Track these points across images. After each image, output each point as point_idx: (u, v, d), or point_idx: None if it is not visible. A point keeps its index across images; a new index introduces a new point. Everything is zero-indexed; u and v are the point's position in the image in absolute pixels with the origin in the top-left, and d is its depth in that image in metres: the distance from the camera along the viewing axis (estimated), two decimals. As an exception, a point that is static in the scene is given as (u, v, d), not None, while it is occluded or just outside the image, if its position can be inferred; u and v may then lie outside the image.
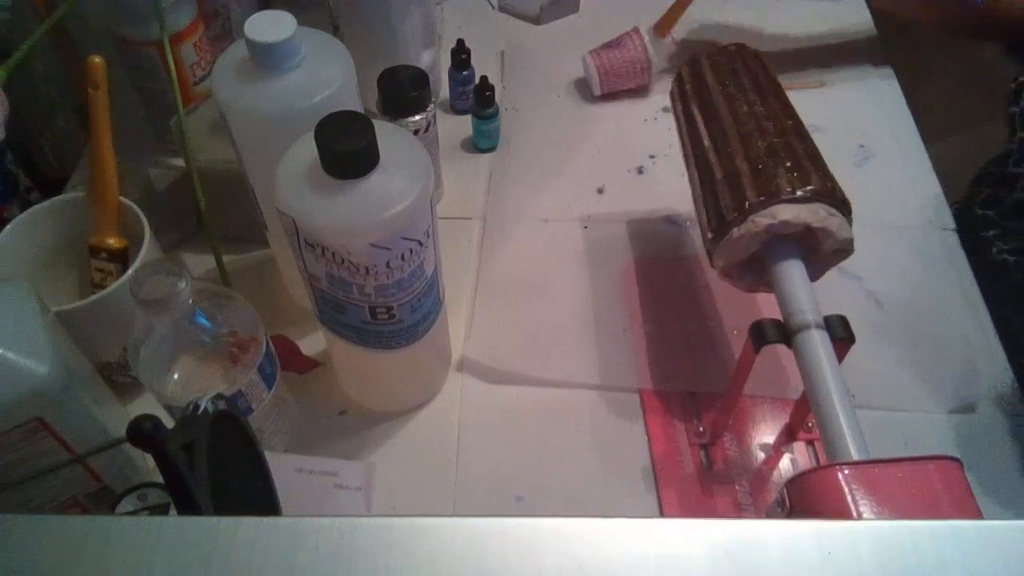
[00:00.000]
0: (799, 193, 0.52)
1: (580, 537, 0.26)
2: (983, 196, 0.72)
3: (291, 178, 0.45)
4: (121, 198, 0.60)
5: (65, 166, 0.78)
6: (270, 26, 0.49)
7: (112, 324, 0.55)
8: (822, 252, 0.53)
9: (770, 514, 0.55)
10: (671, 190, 0.76)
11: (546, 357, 0.64)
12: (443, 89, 0.83)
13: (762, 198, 0.52)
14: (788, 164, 0.53)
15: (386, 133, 0.45)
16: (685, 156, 0.63)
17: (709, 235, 0.56)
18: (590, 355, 0.64)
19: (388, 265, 0.47)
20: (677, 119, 0.65)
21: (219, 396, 0.41)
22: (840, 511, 0.39)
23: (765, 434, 0.60)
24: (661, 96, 0.84)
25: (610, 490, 0.58)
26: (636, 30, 0.82)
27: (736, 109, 0.58)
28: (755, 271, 0.56)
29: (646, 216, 0.74)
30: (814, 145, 0.56)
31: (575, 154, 0.80)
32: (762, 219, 0.52)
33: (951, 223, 0.73)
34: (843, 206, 0.53)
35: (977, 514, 0.39)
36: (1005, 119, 0.69)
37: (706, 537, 0.26)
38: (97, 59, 0.56)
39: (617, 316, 0.67)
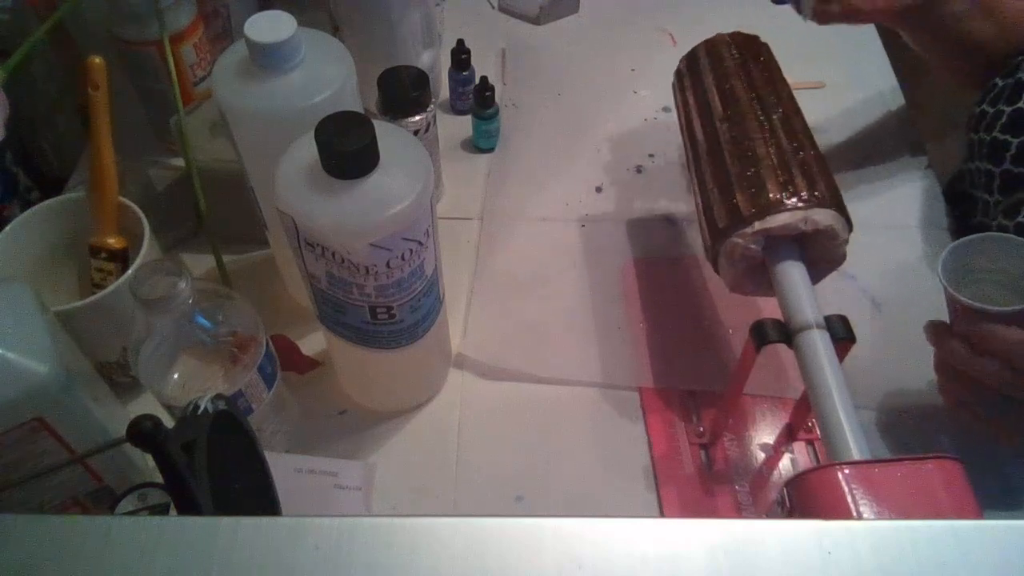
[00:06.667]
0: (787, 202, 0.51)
1: (580, 537, 0.26)
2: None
3: (291, 178, 0.45)
4: (121, 198, 0.60)
5: (65, 166, 0.78)
6: (270, 26, 0.49)
7: (112, 324, 0.55)
8: (819, 251, 0.53)
9: (770, 514, 0.55)
10: (670, 189, 0.76)
11: (543, 354, 0.64)
12: (443, 89, 0.83)
13: (731, 224, 0.52)
14: (749, 176, 0.53)
15: (386, 133, 0.45)
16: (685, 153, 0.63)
17: (705, 249, 0.56)
18: (589, 353, 0.64)
19: (388, 265, 0.47)
20: (678, 112, 0.65)
21: (219, 396, 0.41)
22: (840, 511, 0.39)
23: (765, 434, 0.60)
24: (661, 94, 0.84)
25: (610, 490, 0.58)
26: None
27: (727, 110, 0.58)
28: (759, 275, 0.56)
29: (645, 215, 0.74)
30: (782, 149, 0.55)
31: (574, 153, 0.80)
32: (738, 240, 0.52)
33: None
34: (837, 207, 0.53)
35: (977, 514, 0.39)
36: (964, 140, 0.69)
37: (706, 537, 0.26)
38: (97, 59, 0.56)
39: (615, 315, 0.67)
